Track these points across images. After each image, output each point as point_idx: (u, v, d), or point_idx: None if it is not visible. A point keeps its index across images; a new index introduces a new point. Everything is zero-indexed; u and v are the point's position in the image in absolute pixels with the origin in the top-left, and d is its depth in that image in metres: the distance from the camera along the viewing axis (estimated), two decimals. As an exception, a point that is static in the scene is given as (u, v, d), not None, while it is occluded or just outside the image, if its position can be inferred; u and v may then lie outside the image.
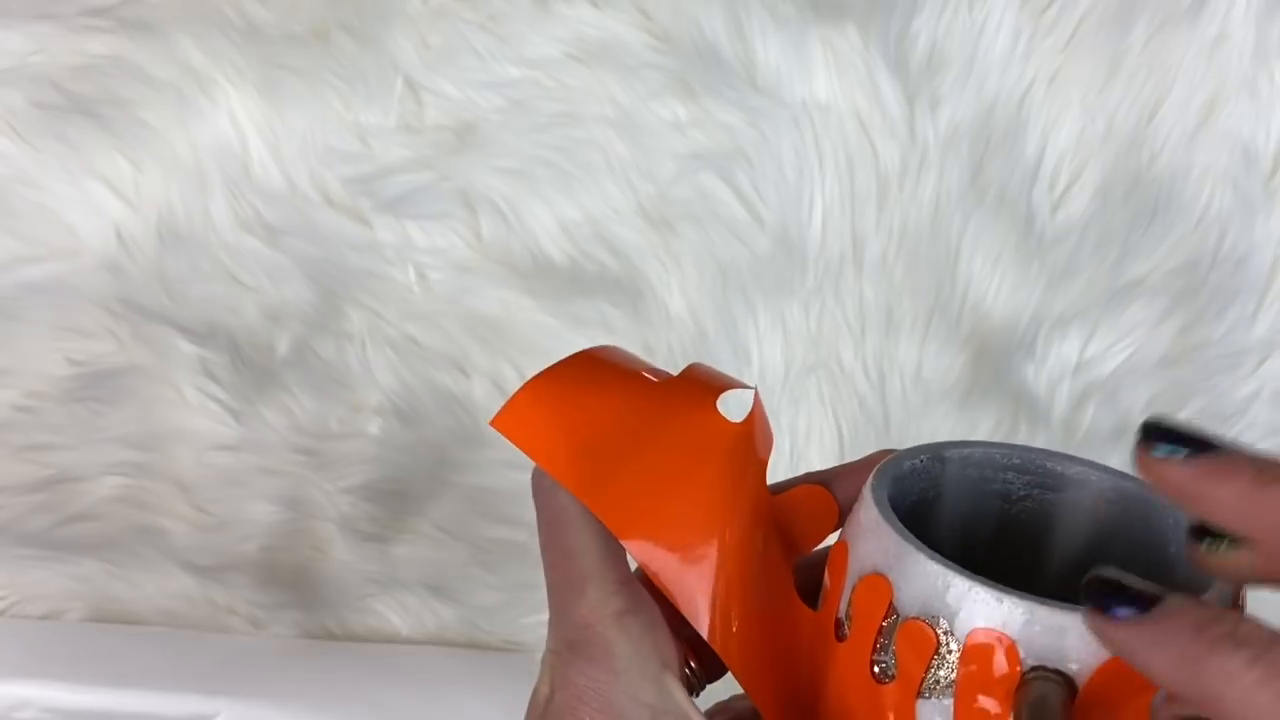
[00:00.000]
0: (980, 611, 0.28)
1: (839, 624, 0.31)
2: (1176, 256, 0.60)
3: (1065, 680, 0.27)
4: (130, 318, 0.62)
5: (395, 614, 0.66)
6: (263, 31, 0.60)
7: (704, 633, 0.30)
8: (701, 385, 0.33)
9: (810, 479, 0.35)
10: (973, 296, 0.62)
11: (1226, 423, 0.60)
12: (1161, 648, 0.24)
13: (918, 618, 0.28)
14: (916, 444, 0.34)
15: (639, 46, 0.60)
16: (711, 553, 0.30)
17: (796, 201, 0.61)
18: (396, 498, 0.65)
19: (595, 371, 0.33)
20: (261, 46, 0.60)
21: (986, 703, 0.28)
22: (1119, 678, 0.26)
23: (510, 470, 0.63)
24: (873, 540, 0.30)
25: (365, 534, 0.65)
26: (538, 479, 0.32)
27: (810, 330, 0.62)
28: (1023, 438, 0.61)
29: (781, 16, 0.59)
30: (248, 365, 0.63)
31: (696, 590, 0.30)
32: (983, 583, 0.28)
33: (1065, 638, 0.27)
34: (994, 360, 0.62)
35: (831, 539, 0.33)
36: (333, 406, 0.63)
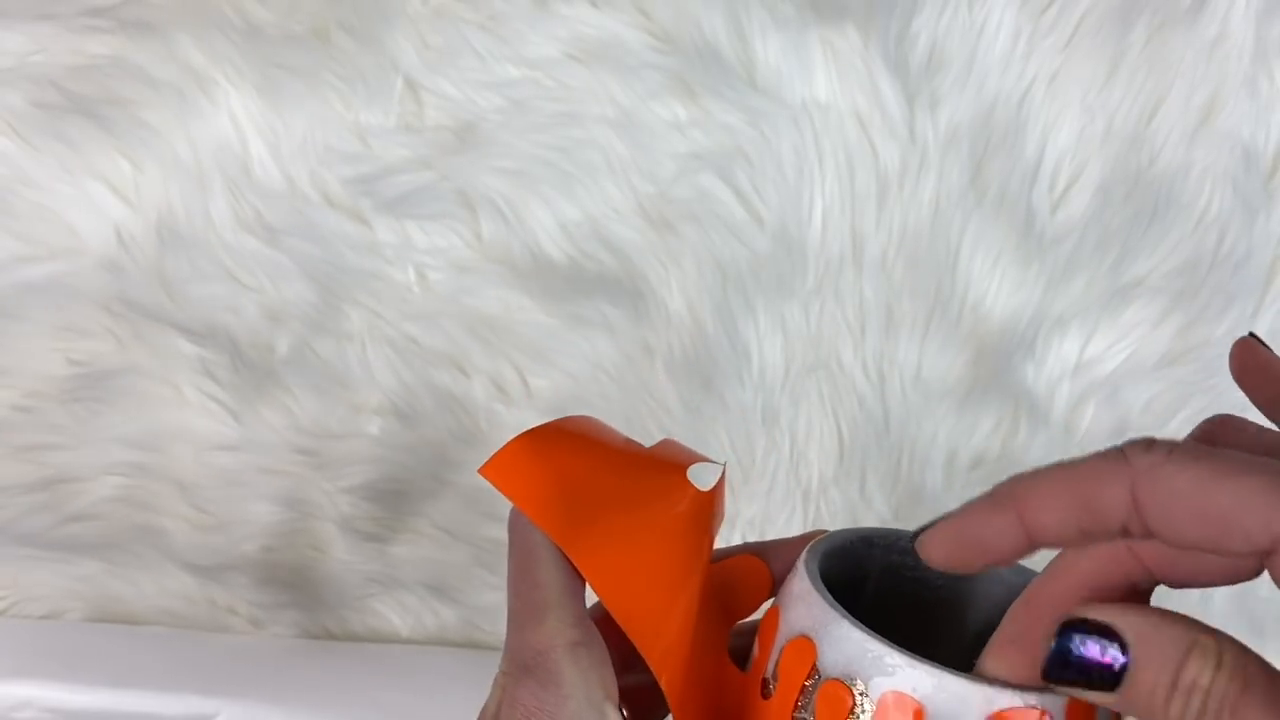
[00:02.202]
0: (894, 676, 0.30)
1: (765, 683, 0.33)
2: (1176, 256, 0.60)
3: None
4: (130, 318, 0.63)
5: (395, 614, 0.66)
6: (263, 31, 0.60)
7: (654, 669, 0.32)
8: (675, 454, 0.37)
9: (748, 549, 0.38)
10: (973, 296, 0.62)
11: (1226, 423, 0.60)
12: None
13: (838, 679, 0.31)
14: (851, 525, 0.38)
15: (639, 46, 0.60)
16: (671, 603, 0.33)
17: (796, 201, 0.61)
18: (396, 498, 0.65)
19: (579, 433, 0.36)
20: (261, 46, 0.60)
21: None
22: None
23: (510, 470, 0.63)
24: (801, 607, 0.33)
25: (365, 534, 0.65)
26: (515, 518, 0.34)
27: (810, 330, 0.62)
28: (1023, 438, 0.61)
29: (781, 16, 0.59)
30: (248, 365, 0.63)
31: (654, 634, 0.32)
32: (898, 650, 0.31)
33: (968, 705, 0.30)
34: (994, 360, 0.62)
35: (765, 607, 0.36)
36: (333, 406, 0.63)
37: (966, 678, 0.30)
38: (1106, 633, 0.27)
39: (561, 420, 0.35)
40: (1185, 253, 0.60)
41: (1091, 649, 0.27)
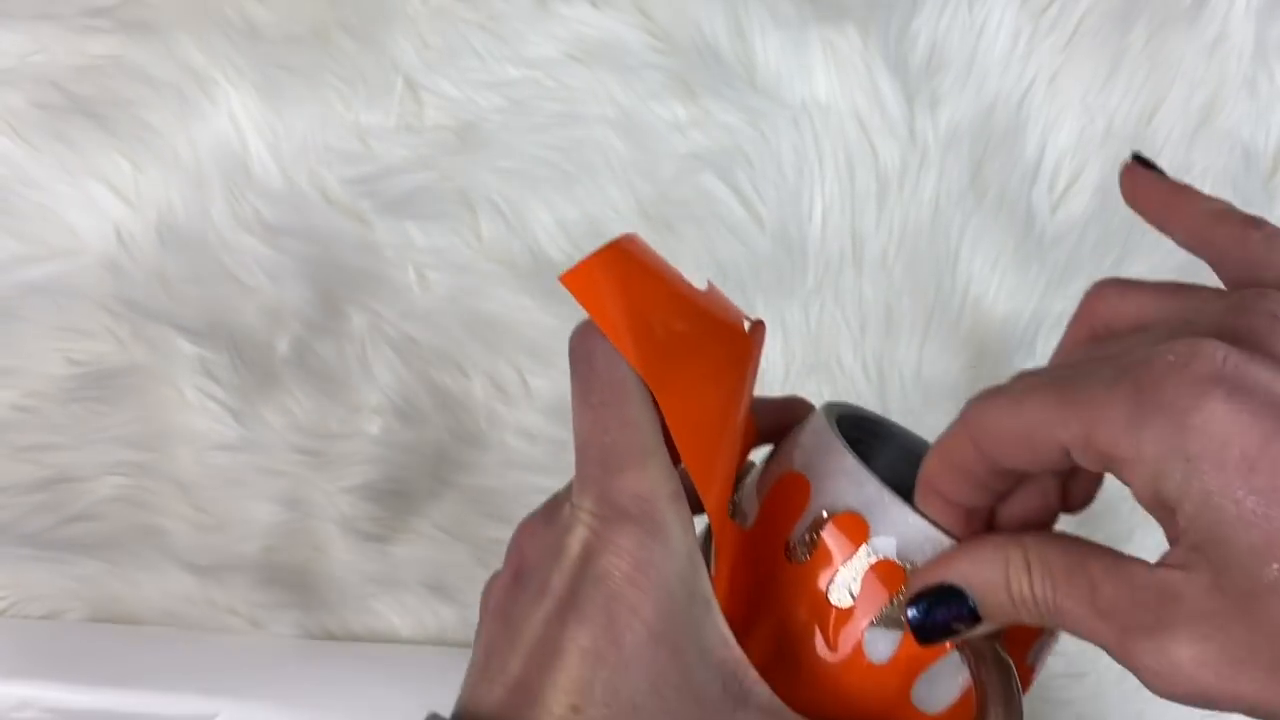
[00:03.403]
0: None
1: (790, 547, 0.34)
2: (1176, 257, 0.59)
3: (1002, 633, 0.32)
4: (130, 318, 0.63)
5: (395, 614, 0.66)
6: (263, 31, 0.60)
7: (712, 519, 0.32)
8: (726, 304, 0.35)
9: None
10: (973, 296, 0.62)
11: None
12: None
13: (892, 559, 0.32)
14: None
15: (639, 46, 0.60)
16: (730, 453, 0.33)
17: (796, 201, 0.61)
18: (396, 498, 0.65)
19: (649, 260, 0.34)
20: (261, 46, 0.60)
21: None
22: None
23: (510, 470, 0.64)
24: (847, 483, 0.33)
25: (365, 534, 0.65)
26: (588, 344, 0.32)
27: (810, 330, 0.62)
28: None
29: (781, 16, 0.59)
30: (248, 365, 0.63)
31: (711, 483, 0.32)
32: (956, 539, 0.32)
33: None
34: (994, 360, 0.62)
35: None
36: (333, 406, 0.63)
37: None
38: (943, 591, 0.31)
39: (627, 240, 0.33)
40: (1185, 253, 0.60)
41: (940, 612, 0.31)
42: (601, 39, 0.60)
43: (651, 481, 0.31)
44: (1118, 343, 0.30)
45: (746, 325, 0.35)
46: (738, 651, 0.31)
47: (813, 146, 0.60)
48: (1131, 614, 0.28)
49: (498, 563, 0.35)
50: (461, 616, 0.66)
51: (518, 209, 0.61)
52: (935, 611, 0.31)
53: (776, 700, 0.31)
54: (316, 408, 0.63)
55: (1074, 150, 0.59)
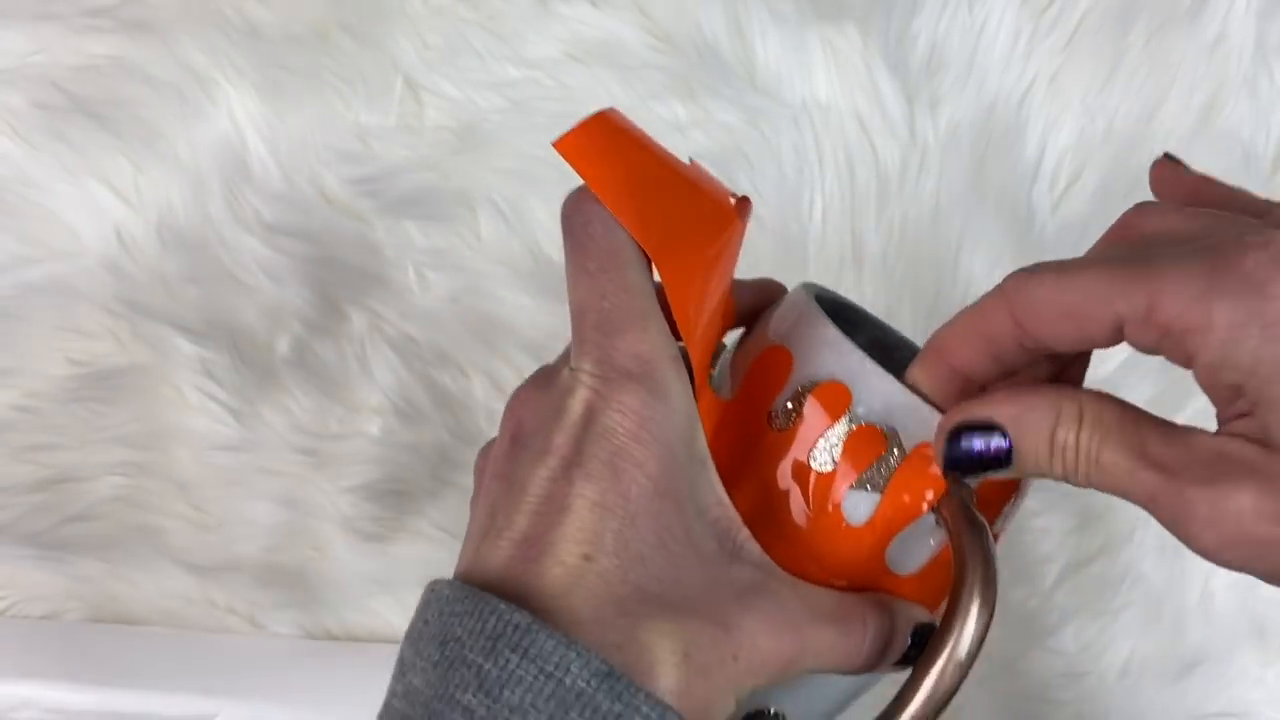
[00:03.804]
0: (930, 431, 0.33)
1: (772, 415, 0.35)
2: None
3: (974, 495, 0.33)
4: (130, 318, 0.63)
5: (395, 614, 0.66)
6: (263, 31, 0.60)
7: (698, 387, 0.33)
8: (713, 180, 0.36)
9: None
10: (973, 296, 0.61)
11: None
12: None
13: (874, 425, 0.34)
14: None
15: (639, 46, 0.60)
16: (714, 324, 0.34)
17: (796, 201, 0.61)
18: (396, 498, 0.65)
19: (635, 131, 0.34)
20: (261, 46, 0.60)
21: (908, 502, 0.34)
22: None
23: (510, 470, 0.63)
24: (830, 353, 0.35)
25: (365, 534, 0.65)
26: (584, 211, 0.32)
27: (810, 330, 0.62)
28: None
29: (781, 16, 0.59)
30: (248, 365, 0.63)
31: (702, 352, 0.33)
32: (939, 411, 0.33)
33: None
34: (994, 360, 0.62)
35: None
36: (333, 406, 0.63)
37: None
38: (988, 427, 0.32)
39: (613, 112, 0.33)
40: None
41: (978, 444, 0.32)
42: (601, 39, 0.60)
43: (652, 343, 0.31)
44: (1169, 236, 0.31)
45: (733, 201, 0.35)
46: (731, 510, 0.32)
47: (813, 146, 0.60)
48: (1187, 468, 0.28)
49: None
50: (461, 616, 0.66)
51: (518, 209, 0.61)
52: (974, 442, 0.32)
53: (766, 557, 0.32)
54: (316, 408, 0.63)
55: (1074, 150, 0.59)
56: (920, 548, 0.34)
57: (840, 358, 0.35)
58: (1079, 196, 0.60)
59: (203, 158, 0.61)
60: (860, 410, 0.34)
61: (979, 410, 0.32)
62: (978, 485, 0.33)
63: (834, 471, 0.34)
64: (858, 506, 0.34)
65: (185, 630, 0.66)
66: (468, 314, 0.62)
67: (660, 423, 0.30)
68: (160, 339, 0.63)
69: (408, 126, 0.61)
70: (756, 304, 0.39)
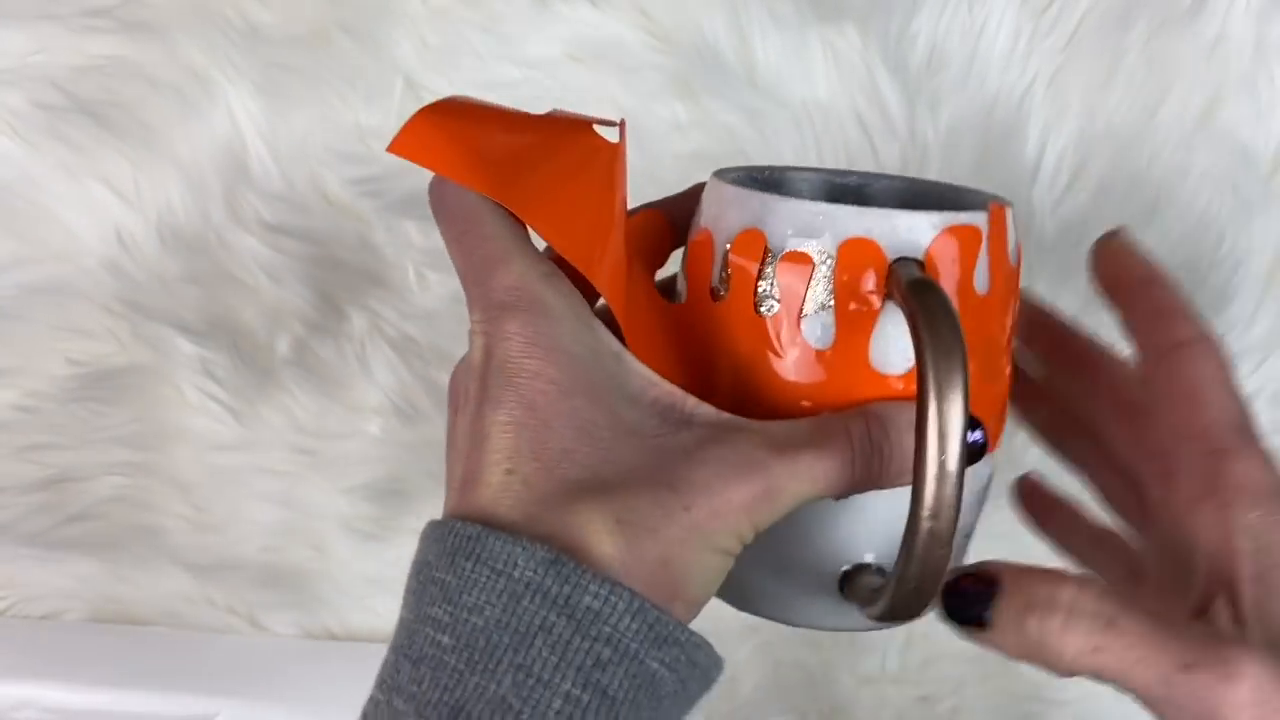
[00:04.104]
0: (848, 225, 0.33)
1: (714, 292, 0.35)
2: (1175, 257, 0.60)
3: (922, 265, 0.33)
4: (130, 318, 0.63)
5: (395, 614, 0.66)
6: (263, 31, 0.60)
7: (608, 300, 0.33)
8: (573, 115, 0.37)
9: (646, 206, 0.40)
10: (973, 296, 0.62)
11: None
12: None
13: (793, 249, 0.33)
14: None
15: (639, 46, 0.60)
16: (609, 241, 0.34)
17: (796, 201, 0.61)
18: (396, 498, 0.65)
19: (476, 104, 0.36)
20: (261, 46, 0.60)
21: (861, 302, 0.33)
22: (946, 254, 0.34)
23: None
24: (733, 209, 0.35)
25: (365, 534, 0.65)
26: (439, 191, 0.35)
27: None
28: (1022, 438, 0.61)
29: (781, 16, 0.59)
30: (248, 365, 0.63)
31: (601, 269, 0.33)
32: (845, 206, 0.34)
33: (918, 232, 0.33)
34: (994, 360, 0.62)
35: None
36: (332, 406, 0.63)
37: (912, 211, 0.34)
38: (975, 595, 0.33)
39: (447, 99, 0.36)
40: (1184, 254, 0.60)
41: (969, 608, 0.33)
42: (601, 39, 0.60)
43: (518, 271, 0.32)
44: None
45: (595, 127, 0.36)
46: (669, 386, 0.33)
47: (813, 146, 0.60)
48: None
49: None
50: (461, 616, 0.66)
51: (518, 209, 0.61)
52: (965, 606, 0.33)
53: (722, 414, 0.33)
54: (316, 408, 0.63)
55: (1074, 150, 0.59)
56: (903, 340, 0.33)
57: (742, 206, 0.35)
58: (1079, 196, 0.60)
59: (203, 158, 0.61)
60: (774, 242, 0.34)
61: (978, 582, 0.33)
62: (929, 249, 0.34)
63: (781, 310, 0.34)
64: (818, 330, 0.34)
65: (185, 630, 0.66)
66: (467, 314, 0.62)
67: (546, 333, 0.32)
68: (160, 339, 0.63)
69: (408, 126, 0.61)
70: (692, 208, 0.40)
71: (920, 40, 0.59)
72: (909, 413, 0.30)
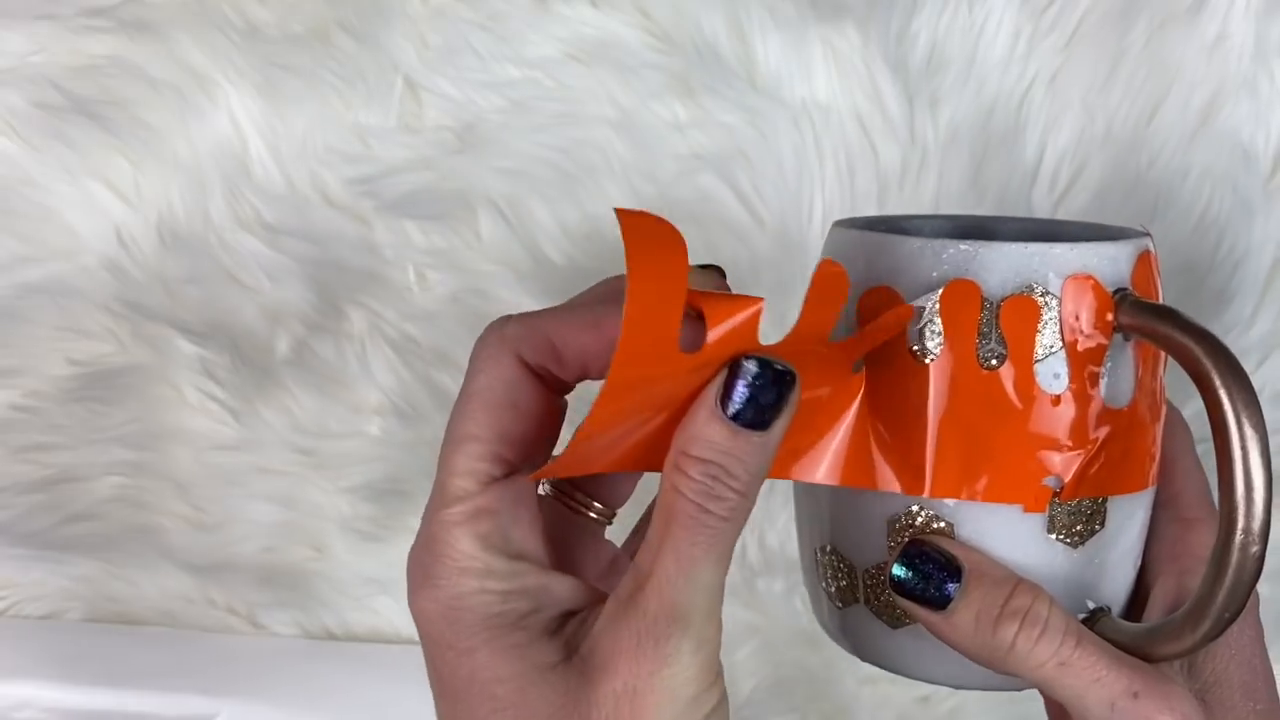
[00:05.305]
0: (1067, 262, 0.33)
1: (914, 355, 0.34)
2: (1175, 258, 0.60)
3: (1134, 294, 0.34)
4: (130, 318, 0.63)
5: (395, 614, 0.66)
6: (263, 31, 0.60)
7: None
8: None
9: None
10: (973, 297, 0.62)
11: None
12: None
13: (1014, 294, 0.33)
14: None
15: (639, 46, 0.60)
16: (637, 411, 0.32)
17: (796, 201, 0.61)
18: (396, 498, 0.65)
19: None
20: (261, 46, 0.60)
21: (1089, 340, 0.33)
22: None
23: (510, 470, 0.64)
24: (928, 258, 0.34)
25: (365, 534, 0.65)
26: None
27: (810, 330, 0.62)
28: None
29: (781, 16, 0.59)
30: (248, 365, 0.63)
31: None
32: (1059, 243, 0.33)
33: (1119, 262, 0.34)
34: (994, 360, 0.62)
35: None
36: (332, 406, 0.63)
37: (1112, 242, 0.34)
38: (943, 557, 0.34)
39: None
40: (1184, 254, 0.60)
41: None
42: (601, 39, 0.60)
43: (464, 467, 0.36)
44: None
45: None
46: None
47: (813, 146, 0.60)
48: None
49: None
50: (461, 616, 0.66)
51: (518, 209, 0.61)
52: (927, 577, 0.34)
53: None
54: (316, 408, 0.63)
55: (1074, 150, 0.59)
56: (1128, 370, 0.34)
57: (936, 255, 0.34)
58: (1079, 197, 0.60)
59: (203, 158, 0.61)
60: (991, 290, 0.33)
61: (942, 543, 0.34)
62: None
63: (1010, 359, 0.33)
64: (1053, 375, 0.33)
65: (185, 630, 0.66)
66: (468, 314, 0.62)
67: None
68: (160, 339, 0.63)
69: (407, 126, 0.61)
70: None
71: (920, 40, 0.59)
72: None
